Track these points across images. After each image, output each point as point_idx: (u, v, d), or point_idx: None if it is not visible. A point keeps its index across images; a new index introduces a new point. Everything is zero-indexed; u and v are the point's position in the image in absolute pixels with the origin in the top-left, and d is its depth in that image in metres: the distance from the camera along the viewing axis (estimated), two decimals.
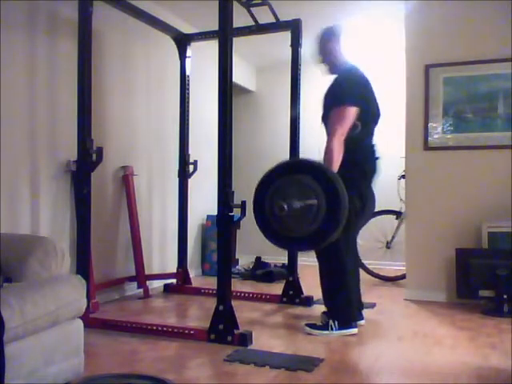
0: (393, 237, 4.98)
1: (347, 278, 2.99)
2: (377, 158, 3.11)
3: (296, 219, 2.59)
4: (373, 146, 3.13)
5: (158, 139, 4.50)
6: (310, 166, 2.69)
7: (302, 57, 3.91)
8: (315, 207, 2.54)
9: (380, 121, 3.14)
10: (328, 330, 2.92)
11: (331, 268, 3.01)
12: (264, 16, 3.78)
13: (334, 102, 2.94)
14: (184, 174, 4.34)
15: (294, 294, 3.82)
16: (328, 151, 2.81)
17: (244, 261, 5.60)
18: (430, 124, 4.02)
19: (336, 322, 2.93)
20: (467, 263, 3.59)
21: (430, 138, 4.01)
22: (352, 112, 2.86)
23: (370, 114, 3.01)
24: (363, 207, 2.99)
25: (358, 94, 2.93)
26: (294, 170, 2.72)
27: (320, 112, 3.12)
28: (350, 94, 2.90)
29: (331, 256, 2.95)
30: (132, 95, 4.19)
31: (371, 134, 3.11)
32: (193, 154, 4.40)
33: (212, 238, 5.03)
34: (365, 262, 4.65)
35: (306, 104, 3.96)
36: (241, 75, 5.93)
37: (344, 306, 2.99)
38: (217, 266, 2.89)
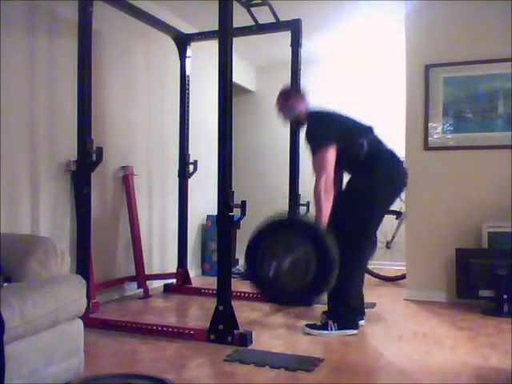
0: (393, 237, 4.98)
1: (351, 287, 3.02)
2: (399, 162, 3.12)
3: (288, 276, 2.57)
4: (388, 151, 3.11)
5: (158, 139, 4.50)
6: (296, 223, 2.71)
7: (301, 56, 3.90)
8: (304, 262, 2.54)
9: (377, 129, 3.17)
10: (328, 330, 2.92)
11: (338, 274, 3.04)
12: (264, 16, 3.77)
13: (311, 149, 3.02)
14: (184, 174, 4.34)
15: None
16: (316, 199, 2.88)
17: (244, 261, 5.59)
18: (430, 124, 4.02)
19: (336, 324, 2.93)
20: (467, 263, 3.59)
21: (430, 138, 4.01)
22: (330, 152, 2.90)
23: (361, 133, 3.05)
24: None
25: (332, 130, 2.99)
26: (281, 228, 2.71)
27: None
28: (323, 136, 2.97)
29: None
30: (132, 95, 4.19)
31: (378, 143, 3.11)
32: (193, 154, 4.40)
33: (212, 238, 5.04)
34: None
35: None
36: (241, 75, 5.93)
37: (345, 314, 2.99)
38: (217, 266, 2.89)
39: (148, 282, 4.11)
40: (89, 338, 2.37)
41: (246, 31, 3.97)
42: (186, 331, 2.88)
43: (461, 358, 2.58)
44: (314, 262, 2.52)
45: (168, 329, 2.93)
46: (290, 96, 3.22)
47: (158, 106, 4.52)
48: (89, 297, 2.78)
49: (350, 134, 3.03)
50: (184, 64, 4.33)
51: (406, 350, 2.72)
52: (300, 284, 2.56)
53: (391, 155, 3.10)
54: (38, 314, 1.79)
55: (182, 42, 4.30)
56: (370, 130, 3.12)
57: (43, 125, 3.30)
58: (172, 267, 4.42)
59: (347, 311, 3.00)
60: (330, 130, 2.99)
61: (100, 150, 3.07)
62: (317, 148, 2.94)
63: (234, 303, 2.85)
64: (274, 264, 2.50)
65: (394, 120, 5.22)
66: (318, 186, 2.84)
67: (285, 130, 4.04)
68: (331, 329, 2.91)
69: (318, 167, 2.91)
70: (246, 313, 3.49)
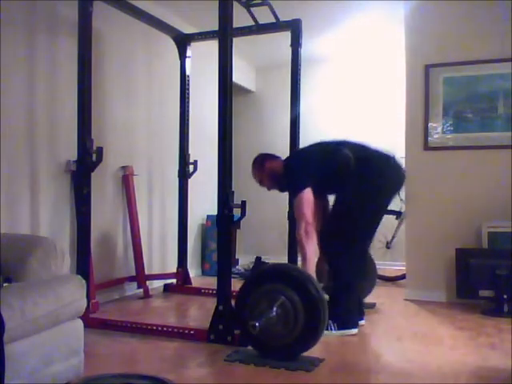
0: (393, 237, 4.98)
1: (352, 284, 3.02)
2: (388, 159, 3.10)
3: (277, 328, 2.47)
4: (375, 151, 3.10)
5: (158, 139, 4.49)
6: (276, 273, 2.62)
7: (301, 57, 3.90)
8: (291, 312, 2.44)
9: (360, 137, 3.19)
10: (328, 329, 2.91)
11: (336, 272, 3.05)
12: (264, 16, 3.77)
13: (291, 193, 3.15)
14: (184, 174, 4.34)
15: None
16: (299, 245, 2.97)
17: (244, 261, 5.60)
18: (430, 124, 4.02)
19: (335, 324, 2.93)
20: (467, 263, 3.59)
21: (429, 138, 4.01)
22: (307, 194, 2.96)
23: (339, 146, 3.06)
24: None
25: (306, 169, 3.05)
26: (262, 280, 2.61)
27: None
28: (296, 182, 3.03)
29: (336, 261, 3.02)
30: (132, 95, 4.19)
31: (361, 147, 3.11)
32: (193, 154, 4.40)
33: (212, 238, 5.03)
34: None
35: (306, 104, 3.95)
36: (241, 75, 5.93)
37: (341, 314, 2.99)
38: (217, 266, 2.89)
39: (148, 282, 4.11)
40: (89, 338, 2.36)
41: (245, 31, 3.96)
42: (186, 331, 2.88)
43: (461, 358, 2.58)
44: (301, 309, 2.44)
45: (168, 329, 2.93)
46: (262, 164, 3.24)
47: (158, 105, 4.51)
48: (89, 297, 2.78)
49: (330, 153, 3.07)
50: (184, 64, 4.33)
51: (405, 350, 2.72)
52: (290, 336, 2.45)
53: (379, 155, 3.09)
54: (38, 314, 1.79)
55: (182, 42, 4.30)
56: (345, 142, 3.14)
57: (43, 125, 3.30)
58: (172, 267, 4.42)
59: (344, 311, 2.99)
60: (303, 172, 3.05)
61: (100, 150, 3.07)
62: (293, 195, 3.04)
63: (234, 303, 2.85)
64: (258, 322, 2.43)
65: (394, 120, 5.22)
66: (300, 234, 2.94)
67: (285, 130, 4.03)
68: (331, 329, 2.91)
69: (297, 215, 3.01)
70: None
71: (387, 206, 3.17)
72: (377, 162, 3.05)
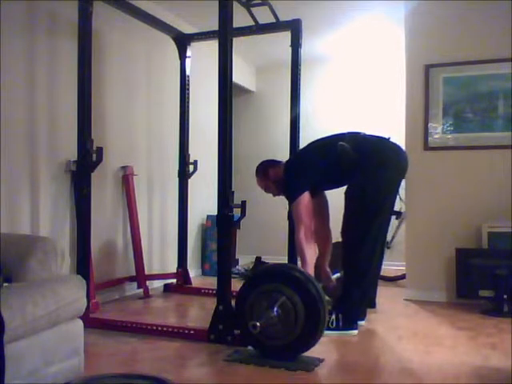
0: (393, 237, 4.98)
1: (367, 278, 3.03)
2: (384, 145, 3.13)
3: (278, 328, 2.45)
4: (370, 141, 3.14)
5: (158, 139, 4.50)
6: (276, 273, 2.61)
7: (301, 57, 3.90)
8: (292, 312, 2.43)
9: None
10: (329, 326, 2.89)
11: (352, 268, 3.04)
12: (264, 16, 3.77)
13: (289, 198, 3.15)
14: (184, 174, 4.34)
15: None
16: (298, 249, 3.02)
17: (244, 261, 5.60)
18: (430, 124, 4.02)
19: (340, 322, 2.92)
20: (467, 263, 3.59)
21: (429, 138, 4.01)
22: (304, 198, 3.00)
23: (336, 140, 3.07)
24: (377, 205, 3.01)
25: (304, 173, 3.08)
26: (262, 280, 2.60)
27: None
28: (293, 186, 3.07)
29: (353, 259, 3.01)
30: (132, 95, 4.19)
31: (356, 135, 3.15)
32: (193, 154, 4.40)
33: (212, 238, 5.03)
34: None
35: (306, 104, 3.95)
36: (241, 75, 5.92)
37: (354, 307, 3.01)
38: (217, 266, 2.89)
39: (148, 282, 4.11)
40: (89, 338, 2.37)
41: (245, 31, 3.96)
42: (186, 331, 2.88)
43: (461, 358, 2.58)
44: (301, 309, 2.43)
45: (168, 329, 2.93)
46: (265, 172, 3.28)
47: (158, 105, 4.51)
48: (89, 297, 2.78)
49: (328, 148, 3.08)
50: (184, 64, 4.33)
51: (405, 350, 2.72)
52: (290, 336, 2.44)
53: (374, 144, 3.11)
54: (37, 314, 1.79)
55: (182, 41, 4.30)
56: (342, 134, 3.16)
57: (43, 125, 3.30)
58: (172, 267, 4.42)
59: (353, 306, 3.00)
60: (299, 176, 3.08)
61: (100, 150, 3.07)
62: (291, 201, 3.07)
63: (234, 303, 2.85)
64: (258, 322, 2.40)
65: (394, 120, 5.22)
66: (299, 239, 2.99)
67: (285, 130, 4.04)
68: (332, 324, 2.90)
69: (295, 220, 3.04)
70: None
71: (396, 185, 3.14)
72: (374, 144, 3.10)
